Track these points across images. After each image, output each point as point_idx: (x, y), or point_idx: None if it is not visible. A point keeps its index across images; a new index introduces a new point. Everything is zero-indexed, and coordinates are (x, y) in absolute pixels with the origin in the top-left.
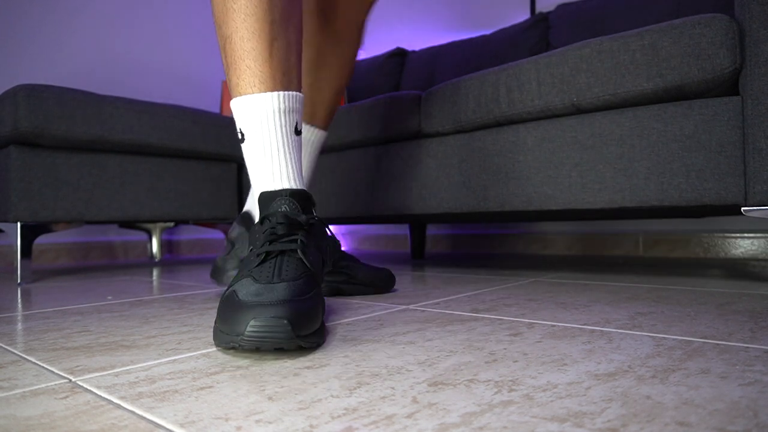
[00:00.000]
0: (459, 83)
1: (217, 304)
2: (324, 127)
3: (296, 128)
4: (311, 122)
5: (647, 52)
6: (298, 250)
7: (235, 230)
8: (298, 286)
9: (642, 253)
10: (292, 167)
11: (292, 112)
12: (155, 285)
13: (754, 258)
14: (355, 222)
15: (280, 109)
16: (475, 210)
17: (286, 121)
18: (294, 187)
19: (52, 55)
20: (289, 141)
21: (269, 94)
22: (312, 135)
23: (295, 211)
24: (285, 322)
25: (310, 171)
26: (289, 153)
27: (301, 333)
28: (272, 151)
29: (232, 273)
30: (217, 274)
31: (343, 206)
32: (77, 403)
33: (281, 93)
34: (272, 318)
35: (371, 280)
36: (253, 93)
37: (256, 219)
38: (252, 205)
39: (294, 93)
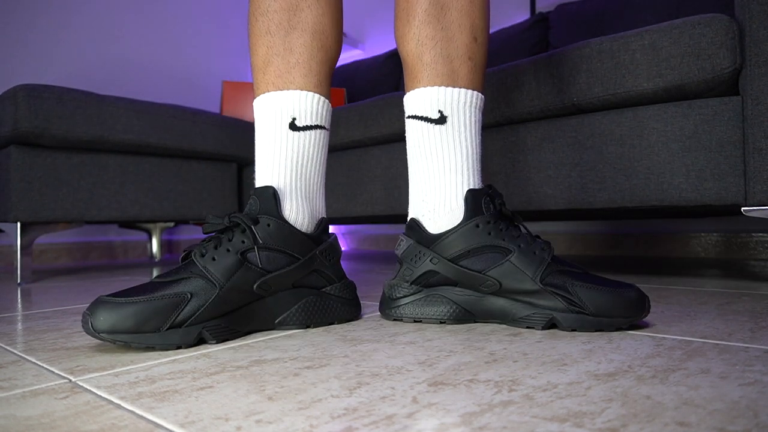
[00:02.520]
0: None
1: None
2: (472, 87)
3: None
4: (454, 84)
5: (647, 52)
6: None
7: (402, 245)
8: None
9: (642, 253)
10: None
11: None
12: None
13: (754, 258)
14: (355, 222)
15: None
16: None
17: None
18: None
19: (52, 55)
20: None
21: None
22: (477, 101)
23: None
24: None
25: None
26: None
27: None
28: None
29: (406, 302)
30: (384, 307)
31: (343, 206)
32: (77, 403)
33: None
34: None
35: (606, 307)
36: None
37: (431, 227)
38: (421, 209)
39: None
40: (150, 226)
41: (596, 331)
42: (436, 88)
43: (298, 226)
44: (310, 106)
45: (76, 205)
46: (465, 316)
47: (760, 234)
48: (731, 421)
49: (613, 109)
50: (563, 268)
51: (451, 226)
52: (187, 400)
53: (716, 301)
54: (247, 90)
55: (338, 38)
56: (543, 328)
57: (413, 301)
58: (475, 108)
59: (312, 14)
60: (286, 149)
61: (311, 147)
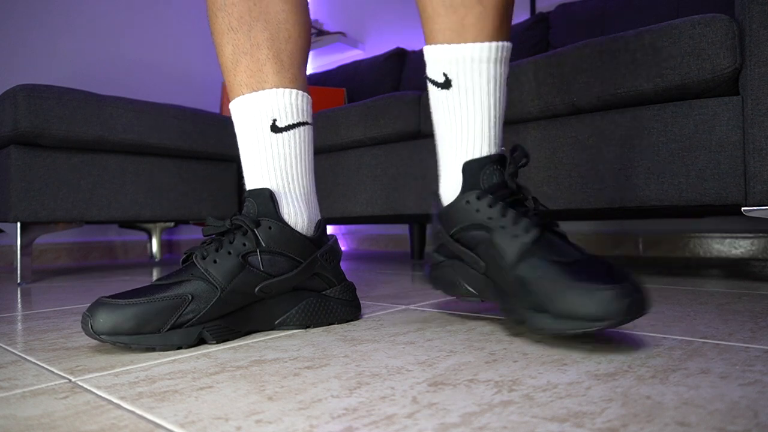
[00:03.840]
0: None
1: None
2: (483, 38)
3: None
4: (460, 38)
5: (647, 52)
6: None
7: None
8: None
9: (642, 253)
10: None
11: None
12: None
13: (754, 258)
14: (355, 222)
15: None
16: None
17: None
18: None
19: (52, 55)
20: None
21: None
22: (493, 53)
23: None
24: None
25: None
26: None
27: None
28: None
29: (434, 273)
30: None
31: (342, 206)
32: (77, 403)
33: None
34: None
35: (571, 308)
36: None
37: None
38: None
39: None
40: (150, 226)
41: (558, 335)
42: (439, 46)
43: (297, 228)
44: (289, 103)
45: (76, 205)
46: (472, 294)
47: (761, 234)
48: (731, 421)
49: (613, 109)
50: (548, 256)
51: (451, 200)
52: (187, 400)
53: (716, 301)
54: None
55: (305, 25)
56: (517, 324)
57: (437, 270)
58: (490, 63)
59: (272, 2)
60: (272, 153)
61: (297, 146)
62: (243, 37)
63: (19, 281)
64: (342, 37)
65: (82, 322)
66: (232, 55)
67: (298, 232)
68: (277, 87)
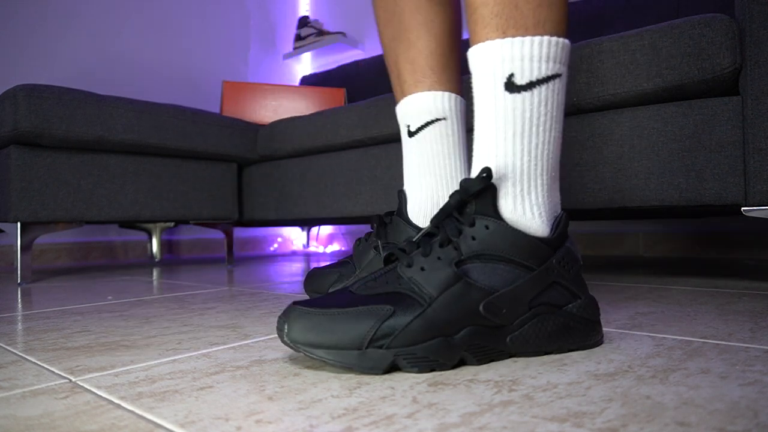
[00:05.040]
0: None
1: (216, 305)
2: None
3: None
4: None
5: (647, 52)
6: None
7: None
8: None
9: (642, 253)
10: None
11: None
12: (155, 285)
13: (755, 258)
14: (355, 222)
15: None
16: None
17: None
18: None
19: (52, 55)
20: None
21: None
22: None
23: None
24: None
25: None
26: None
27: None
28: None
29: None
30: None
31: (343, 206)
32: (77, 403)
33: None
34: None
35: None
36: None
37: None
38: None
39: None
40: (150, 226)
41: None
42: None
43: (527, 225)
44: (531, 54)
45: (76, 205)
46: None
47: (761, 234)
48: (731, 421)
49: (613, 109)
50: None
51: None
52: (187, 400)
53: (716, 301)
54: (247, 90)
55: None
56: None
57: None
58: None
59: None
60: (504, 119)
61: (538, 109)
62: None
63: (19, 281)
64: (342, 37)
65: (277, 329)
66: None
67: (525, 233)
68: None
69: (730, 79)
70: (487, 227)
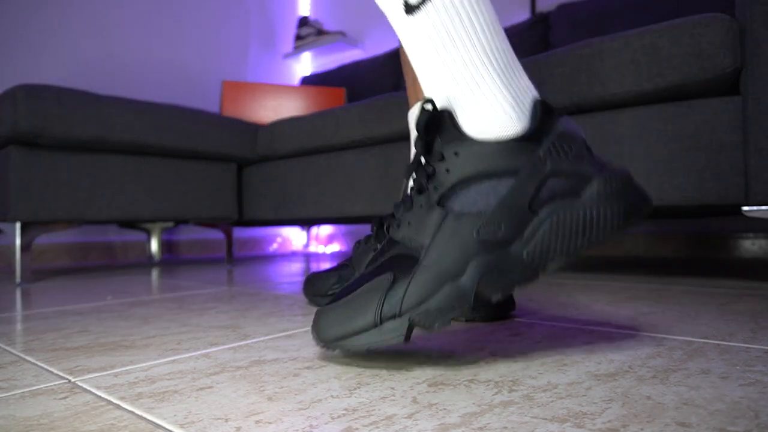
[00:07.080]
0: None
1: (215, 305)
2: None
3: None
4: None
5: (647, 51)
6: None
7: None
8: None
9: (642, 253)
10: None
11: None
12: (155, 285)
13: (755, 258)
14: (355, 222)
15: None
16: None
17: None
18: None
19: (51, 54)
20: None
21: None
22: None
23: None
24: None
25: None
26: None
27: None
28: None
29: None
30: None
31: (343, 206)
32: (77, 404)
33: None
34: None
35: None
36: None
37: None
38: None
39: None
40: (149, 226)
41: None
42: None
43: (499, 130)
44: None
45: (76, 205)
46: None
47: (761, 234)
48: (732, 422)
49: (613, 108)
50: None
51: None
52: (187, 400)
53: (717, 301)
54: (247, 90)
55: None
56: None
57: None
58: None
59: None
60: (420, 38)
61: (450, 10)
62: None
63: (18, 281)
64: (342, 37)
65: (312, 335)
66: None
67: (494, 141)
68: None
69: (731, 78)
70: (456, 153)
